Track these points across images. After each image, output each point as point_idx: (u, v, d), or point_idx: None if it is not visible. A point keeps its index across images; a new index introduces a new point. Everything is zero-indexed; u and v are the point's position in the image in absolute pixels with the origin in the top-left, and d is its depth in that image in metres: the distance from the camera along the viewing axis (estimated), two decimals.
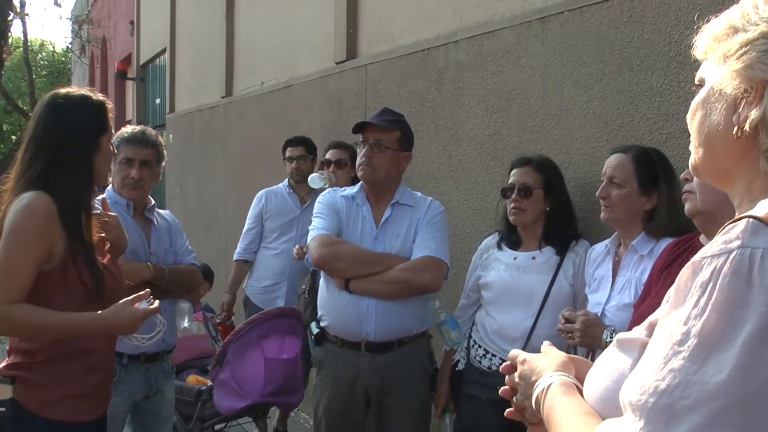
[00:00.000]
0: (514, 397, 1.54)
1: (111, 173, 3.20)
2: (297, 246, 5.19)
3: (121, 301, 2.78)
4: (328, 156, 5.20)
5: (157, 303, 2.87)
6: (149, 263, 3.73)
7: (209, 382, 4.45)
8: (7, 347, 2.87)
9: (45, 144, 2.78)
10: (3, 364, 2.83)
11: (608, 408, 1.24)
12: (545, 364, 1.46)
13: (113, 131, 3.02)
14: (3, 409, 2.74)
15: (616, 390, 1.19)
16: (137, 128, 3.94)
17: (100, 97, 2.94)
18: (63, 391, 2.78)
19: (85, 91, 2.96)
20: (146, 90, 16.96)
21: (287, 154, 5.77)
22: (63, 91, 2.95)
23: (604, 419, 1.23)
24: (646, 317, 1.33)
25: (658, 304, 1.19)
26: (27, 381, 2.75)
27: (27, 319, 2.65)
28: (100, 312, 2.74)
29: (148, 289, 2.89)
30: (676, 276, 1.10)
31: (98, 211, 3.07)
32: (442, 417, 3.84)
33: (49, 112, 2.83)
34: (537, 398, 1.41)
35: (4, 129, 27.90)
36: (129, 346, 3.40)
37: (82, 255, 2.76)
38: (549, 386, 1.39)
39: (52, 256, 2.70)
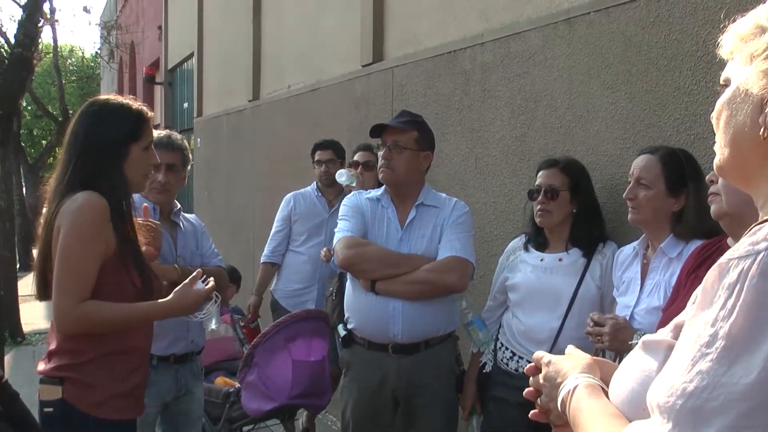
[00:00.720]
0: (539, 399, 1.53)
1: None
2: (325, 249, 5.20)
3: (182, 284, 2.96)
4: (356, 158, 5.22)
5: (212, 281, 3.04)
6: (176, 265, 3.76)
7: (237, 384, 4.48)
8: (50, 348, 2.91)
9: (80, 147, 2.86)
10: (51, 366, 2.86)
11: (634, 410, 1.23)
12: (570, 366, 1.45)
13: (150, 142, 3.03)
14: (51, 409, 2.79)
15: (642, 392, 1.19)
16: (163, 133, 3.97)
17: (139, 106, 2.99)
18: (110, 391, 2.85)
19: (125, 99, 3.02)
20: (174, 94, 17.08)
21: (316, 157, 5.78)
22: (104, 97, 3.01)
23: (630, 421, 1.22)
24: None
25: (684, 308, 1.18)
26: (76, 381, 2.81)
27: (101, 315, 2.76)
28: (166, 300, 2.92)
29: (199, 269, 3.05)
30: (703, 279, 1.10)
31: (142, 218, 3.19)
32: (469, 419, 3.83)
33: (85, 116, 2.92)
34: (563, 400, 1.40)
35: (35, 134, 28.19)
36: (158, 347, 3.46)
37: (132, 255, 2.86)
38: (575, 388, 1.38)
39: (107, 253, 2.80)
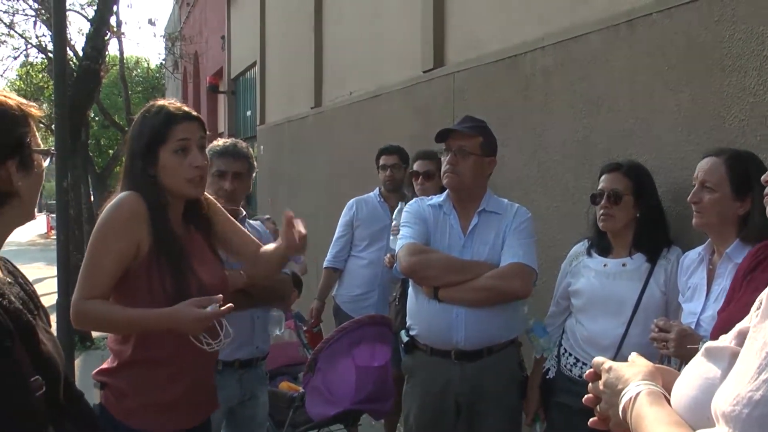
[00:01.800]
0: (598, 406, 1.52)
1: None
2: (388, 255, 5.22)
3: (187, 301, 2.67)
4: (415, 167, 5.20)
5: (224, 308, 2.68)
6: (242, 271, 3.80)
7: (301, 389, 4.50)
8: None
9: (126, 149, 2.86)
10: (97, 369, 2.88)
11: (697, 418, 1.22)
12: (632, 373, 1.44)
13: (185, 144, 2.80)
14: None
15: (705, 400, 1.17)
16: (228, 141, 4.02)
17: (174, 108, 2.84)
18: (144, 400, 2.76)
19: (164, 101, 2.90)
20: (237, 103, 17.30)
21: (381, 162, 5.78)
22: (158, 101, 2.91)
23: (694, 430, 1.21)
24: (730, 323, 1.30)
25: (741, 310, 1.17)
26: (111, 387, 2.78)
27: (96, 312, 2.70)
28: (165, 309, 2.67)
29: (220, 295, 2.74)
30: (759, 281, 1.08)
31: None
32: (532, 425, 3.81)
33: (135, 120, 2.91)
34: (624, 407, 1.39)
35: (102, 143, 28.75)
36: (223, 353, 3.43)
37: (167, 258, 2.74)
38: (636, 395, 1.37)
39: (137, 254, 2.72)
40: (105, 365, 2.86)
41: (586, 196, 3.76)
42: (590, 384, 1.56)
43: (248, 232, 3.42)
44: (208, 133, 2.96)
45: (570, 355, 3.58)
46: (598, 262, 3.54)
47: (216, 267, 2.99)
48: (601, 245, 3.57)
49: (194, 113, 2.90)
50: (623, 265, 3.47)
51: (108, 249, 2.69)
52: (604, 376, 1.50)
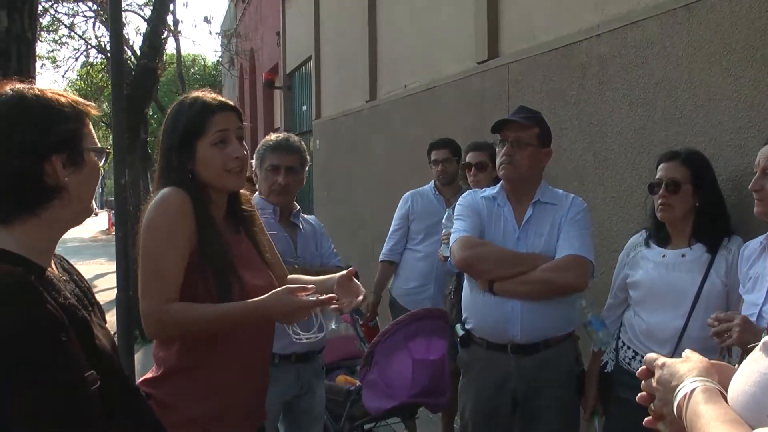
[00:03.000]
0: (652, 404, 1.48)
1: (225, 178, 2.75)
2: (441, 248, 5.20)
3: (281, 287, 2.58)
4: (468, 159, 5.17)
5: (324, 297, 2.57)
6: (297, 266, 3.81)
7: (358, 383, 4.51)
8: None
9: (161, 145, 2.73)
10: (143, 378, 2.72)
11: (756, 416, 1.18)
12: (686, 369, 1.40)
13: (223, 135, 2.67)
14: None
15: (763, 397, 1.13)
16: (281, 136, 4.03)
17: (210, 99, 2.70)
18: (189, 414, 2.58)
19: (198, 93, 2.76)
20: (293, 98, 17.39)
21: (432, 156, 5.78)
22: (190, 94, 2.77)
23: (753, 428, 1.17)
24: None
25: None
26: (156, 399, 2.57)
27: (182, 316, 2.51)
28: (260, 297, 2.54)
29: (313, 285, 2.65)
30: None
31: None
32: (591, 420, 3.75)
33: (168, 115, 2.77)
34: (678, 404, 1.35)
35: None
36: (280, 345, 3.39)
37: (212, 258, 2.59)
38: (691, 392, 1.33)
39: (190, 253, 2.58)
40: (150, 374, 2.70)
41: (644, 185, 3.69)
42: (643, 381, 1.51)
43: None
44: (247, 124, 2.82)
45: (628, 348, 3.51)
46: (656, 252, 3.47)
47: (262, 267, 2.82)
48: (660, 236, 3.49)
49: (231, 103, 2.76)
50: (682, 255, 3.39)
51: (168, 248, 2.54)
52: (657, 373, 1.46)
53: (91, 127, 1.95)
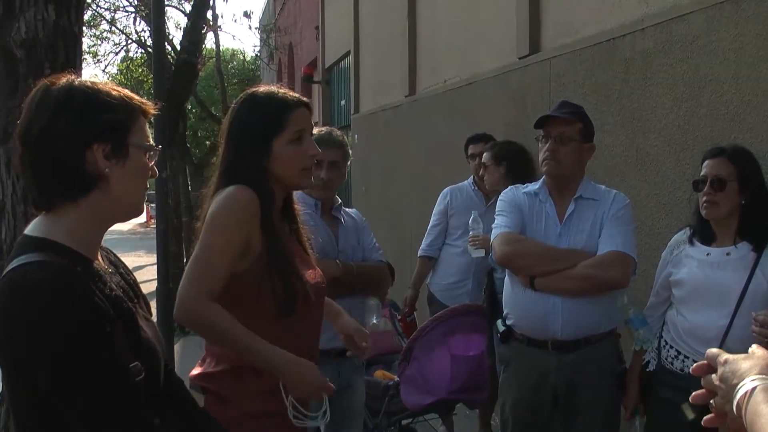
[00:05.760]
0: (712, 401, 1.45)
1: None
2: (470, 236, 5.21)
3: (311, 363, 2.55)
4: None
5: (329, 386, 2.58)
6: (338, 260, 3.81)
7: (396, 378, 4.51)
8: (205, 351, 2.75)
9: (229, 140, 2.68)
10: (196, 372, 2.70)
11: None
12: (748, 367, 1.36)
13: (300, 133, 2.64)
14: None
15: None
16: (324, 130, 4.01)
17: (283, 94, 2.68)
18: (246, 409, 2.57)
19: (274, 87, 2.73)
20: (331, 92, 17.42)
21: (470, 151, 5.77)
22: (255, 88, 2.75)
23: None
24: None
25: None
26: (214, 393, 2.58)
27: (215, 319, 2.45)
28: (292, 355, 2.49)
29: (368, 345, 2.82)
30: None
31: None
32: (632, 420, 3.71)
33: (236, 108, 2.72)
34: (738, 403, 1.32)
35: (199, 135, 29.33)
36: (320, 340, 3.39)
37: (277, 258, 2.56)
38: (752, 390, 1.30)
39: (246, 254, 2.53)
40: (204, 368, 2.68)
41: (687, 182, 3.64)
42: (703, 378, 1.48)
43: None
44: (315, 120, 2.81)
45: (671, 347, 3.47)
46: (700, 250, 3.42)
47: (311, 264, 2.80)
48: (704, 233, 3.44)
49: (306, 99, 2.73)
50: (727, 254, 3.34)
51: (225, 242, 2.49)
52: (720, 369, 1.43)
53: (145, 126, 1.95)
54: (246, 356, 2.49)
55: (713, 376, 1.44)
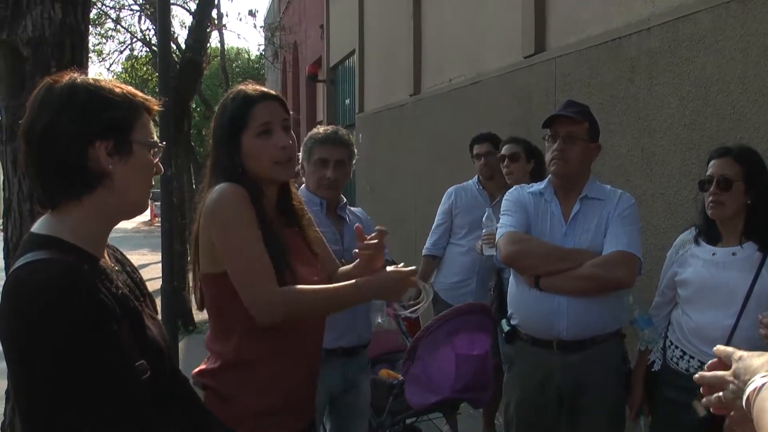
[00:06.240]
0: (722, 394, 1.46)
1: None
2: (479, 242, 5.20)
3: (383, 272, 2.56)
4: (503, 151, 5.18)
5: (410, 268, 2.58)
6: (343, 259, 3.80)
7: (400, 377, 4.50)
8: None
9: (212, 142, 2.69)
10: (198, 369, 2.69)
11: None
12: (760, 363, 1.38)
13: (267, 126, 2.62)
14: None
15: None
16: (330, 129, 4.00)
17: (250, 90, 2.66)
18: (249, 405, 2.56)
19: (244, 85, 2.72)
20: (336, 91, 17.43)
21: (474, 151, 5.76)
22: (237, 87, 2.72)
23: None
24: None
25: None
26: (214, 390, 2.57)
27: (300, 296, 2.47)
28: (365, 278, 2.54)
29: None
30: None
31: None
32: (637, 420, 3.70)
33: (217, 110, 2.73)
34: (747, 398, 1.33)
35: (203, 134, 29.37)
36: (326, 339, 3.28)
37: (271, 251, 2.51)
38: (761, 387, 1.30)
39: None
40: (205, 366, 2.67)
41: (693, 182, 3.64)
42: (711, 373, 1.49)
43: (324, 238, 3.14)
44: (291, 113, 2.74)
45: (676, 347, 3.46)
46: (706, 250, 3.41)
47: (313, 262, 2.76)
48: (710, 233, 3.43)
49: (273, 93, 2.70)
50: (733, 254, 3.33)
51: (251, 234, 2.47)
52: (734, 366, 1.44)
53: (149, 123, 1.95)
54: (340, 306, 2.63)
55: (720, 373, 1.45)
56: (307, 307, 2.52)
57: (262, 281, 2.44)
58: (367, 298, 2.62)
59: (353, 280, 2.53)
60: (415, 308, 2.66)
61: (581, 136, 3.58)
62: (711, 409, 1.50)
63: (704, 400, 1.53)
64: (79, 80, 1.86)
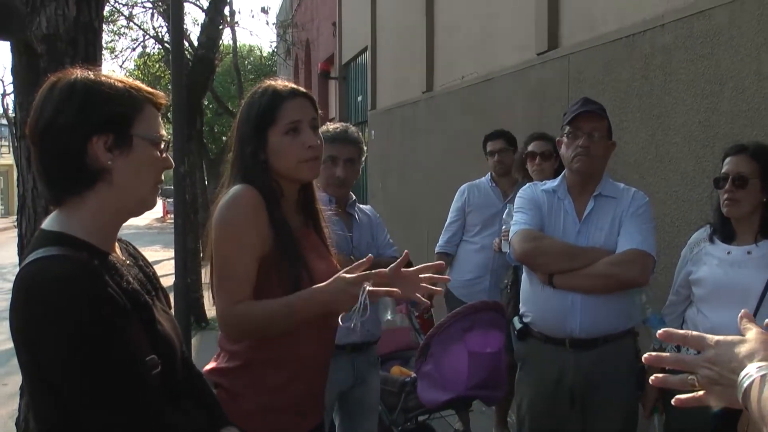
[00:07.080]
0: (697, 376, 1.43)
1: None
2: (497, 239, 5.17)
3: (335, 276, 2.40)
4: (532, 148, 5.10)
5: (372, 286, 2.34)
6: (352, 257, 3.80)
7: (413, 374, 4.50)
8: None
9: (235, 137, 2.65)
10: (209, 367, 2.67)
11: None
12: (747, 351, 1.35)
13: (296, 124, 2.57)
14: None
15: None
16: (339, 126, 3.99)
17: (280, 86, 2.62)
18: (260, 403, 2.54)
19: (272, 80, 2.69)
20: (348, 88, 17.43)
21: (488, 148, 5.74)
22: (265, 82, 2.69)
23: None
24: None
25: None
26: (225, 389, 2.54)
27: (251, 315, 2.42)
28: (317, 286, 2.40)
29: (370, 256, 2.50)
30: None
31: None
32: (651, 418, 3.69)
33: (241, 106, 2.69)
34: (745, 391, 1.30)
35: (216, 130, 29.42)
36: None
37: (285, 254, 2.50)
38: (762, 379, 1.28)
39: (263, 251, 2.48)
40: (216, 364, 2.66)
41: (708, 180, 3.62)
42: (679, 355, 1.48)
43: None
44: (320, 112, 2.71)
45: None
46: (721, 249, 3.39)
47: (331, 262, 2.74)
48: (725, 232, 3.41)
49: (303, 90, 2.66)
50: (748, 252, 3.31)
51: (239, 248, 2.44)
52: (710, 352, 1.41)
53: (154, 117, 1.94)
54: (294, 322, 2.43)
55: (687, 357, 1.44)
56: (260, 326, 2.45)
57: (226, 298, 2.44)
58: (323, 307, 2.40)
59: (312, 287, 2.41)
60: (349, 320, 2.40)
61: (604, 133, 3.56)
62: (651, 379, 1.52)
63: (654, 377, 1.51)
64: (80, 77, 1.87)
